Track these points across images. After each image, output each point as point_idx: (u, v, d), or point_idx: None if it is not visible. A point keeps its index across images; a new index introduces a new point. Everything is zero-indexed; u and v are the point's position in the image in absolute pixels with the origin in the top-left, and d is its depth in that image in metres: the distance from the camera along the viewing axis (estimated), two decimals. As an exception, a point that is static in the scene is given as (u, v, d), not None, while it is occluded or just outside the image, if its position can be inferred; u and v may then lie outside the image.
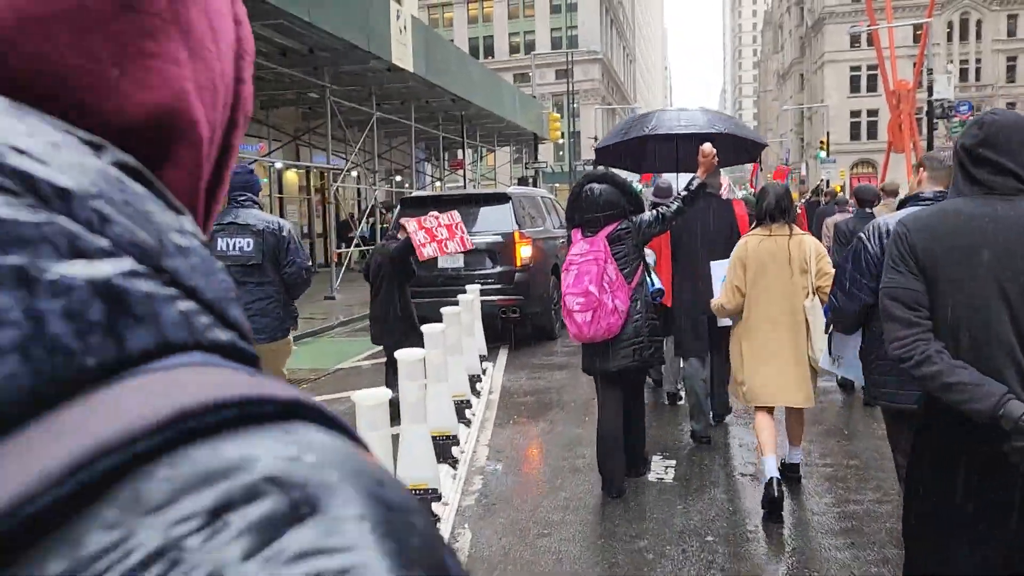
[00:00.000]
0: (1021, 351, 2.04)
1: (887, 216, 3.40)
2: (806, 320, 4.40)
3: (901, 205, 3.53)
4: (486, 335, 8.77)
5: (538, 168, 27.30)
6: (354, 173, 21.23)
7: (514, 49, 64.28)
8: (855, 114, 65.61)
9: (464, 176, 22.57)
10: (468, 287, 8.38)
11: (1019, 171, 2.09)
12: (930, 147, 25.60)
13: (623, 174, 5.40)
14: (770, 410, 4.58)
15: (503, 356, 9.17)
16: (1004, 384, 2.01)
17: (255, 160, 17.73)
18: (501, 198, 9.92)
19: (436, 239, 6.61)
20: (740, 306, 4.54)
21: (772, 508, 4.26)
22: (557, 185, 63.88)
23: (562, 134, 60.75)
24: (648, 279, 4.72)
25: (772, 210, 4.51)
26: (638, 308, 4.48)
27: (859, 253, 3.20)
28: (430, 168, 22.15)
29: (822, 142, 44.14)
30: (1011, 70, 61.65)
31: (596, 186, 4.57)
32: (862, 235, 3.24)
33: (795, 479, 4.76)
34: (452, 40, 64.64)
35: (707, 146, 4.78)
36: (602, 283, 4.35)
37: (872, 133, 64.54)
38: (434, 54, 16.72)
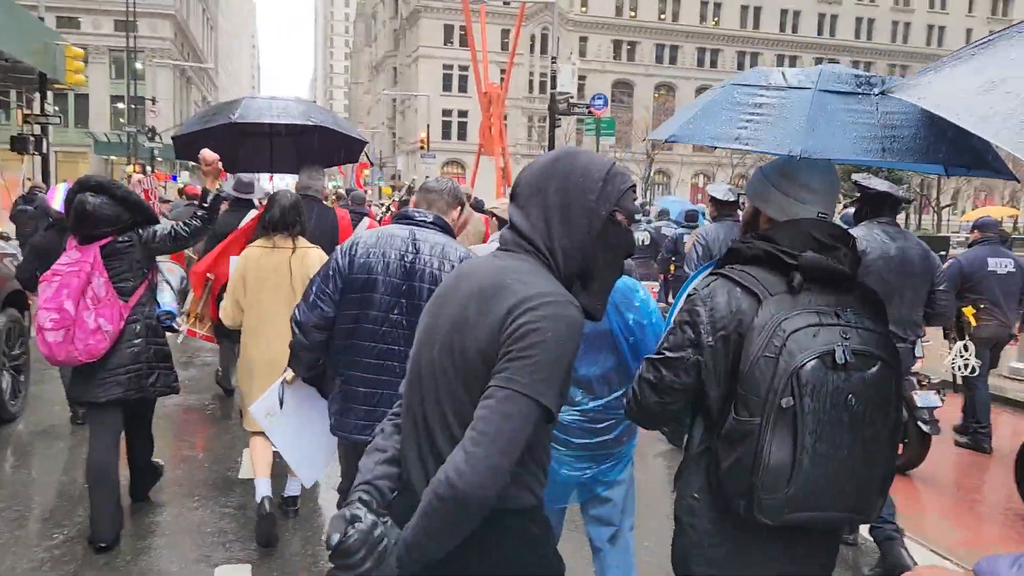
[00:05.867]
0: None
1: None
2: None
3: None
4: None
5: (45, 124, 18.26)
6: None
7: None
8: (447, 112, 65.36)
9: None
10: None
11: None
12: (551, 145, 22.98)
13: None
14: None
15: None
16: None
17: None
18: None
19: None
20: (238, 321, 4.25)
21: (267, 539, 4.11)
22: (113, 158, 52.62)
23: (121, 97, 50.09)
24: (157, 301, 4.32)
25: (276, 222, 4.24)
26: (137, 331, 4.03)
27: (325, 269, 3.17)
28: None
29: (422, 139, 41.47)
30: (581, 88, 66.70)
31: (90, 199, 3.98)
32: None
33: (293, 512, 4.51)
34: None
35: (206, 152, 4.27)
36: (82, 298, 3.89)
37: (462, 134, 64.82)
38: None
